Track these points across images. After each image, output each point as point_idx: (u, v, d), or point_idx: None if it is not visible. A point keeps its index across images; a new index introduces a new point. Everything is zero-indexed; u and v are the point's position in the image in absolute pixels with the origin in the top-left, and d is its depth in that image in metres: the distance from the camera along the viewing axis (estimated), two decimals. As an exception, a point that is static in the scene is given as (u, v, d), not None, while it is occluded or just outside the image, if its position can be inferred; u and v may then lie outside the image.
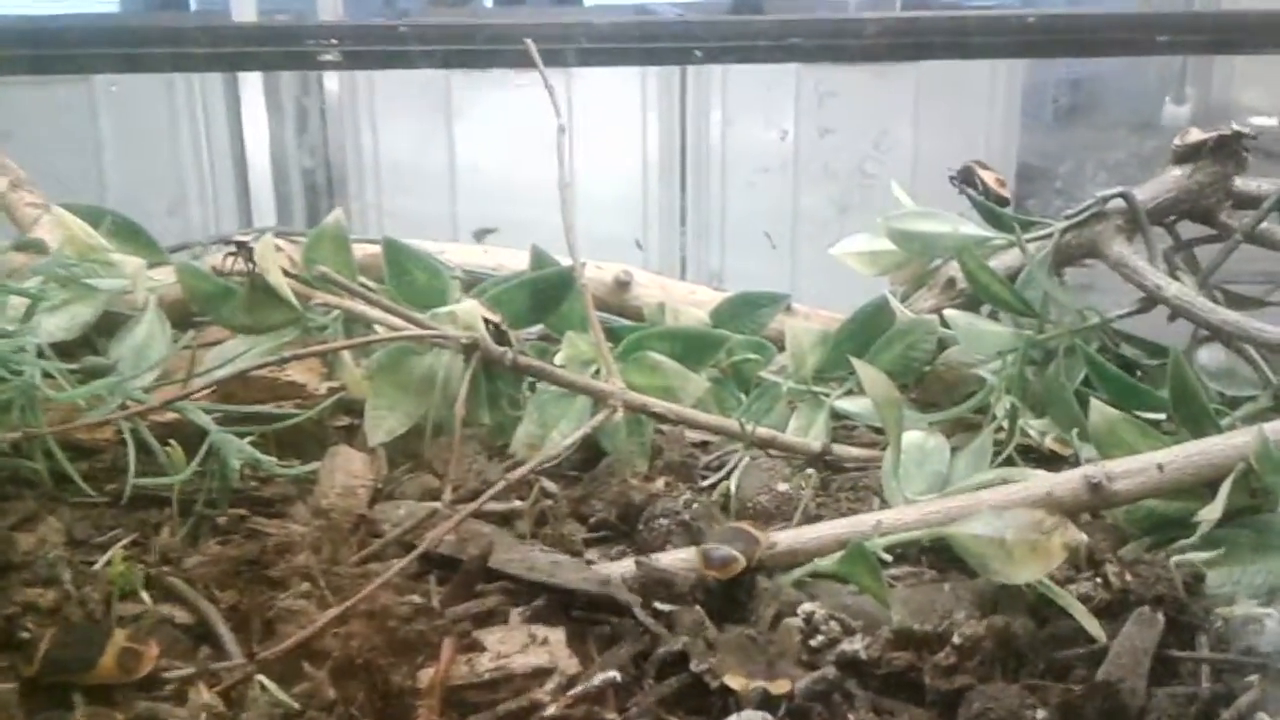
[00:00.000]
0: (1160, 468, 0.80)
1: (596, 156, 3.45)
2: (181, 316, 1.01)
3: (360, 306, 0.89)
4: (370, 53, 1.05)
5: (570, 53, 1.09)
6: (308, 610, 0.72)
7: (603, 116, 3.41)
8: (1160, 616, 0.69)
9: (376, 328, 0.90)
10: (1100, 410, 0.85)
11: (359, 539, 0.80)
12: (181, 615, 0.72)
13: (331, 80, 3.80)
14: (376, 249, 1.06)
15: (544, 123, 0.98)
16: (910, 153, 3.49)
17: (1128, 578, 0.72)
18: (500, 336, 0.90)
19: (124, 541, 0.78)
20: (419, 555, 0.74)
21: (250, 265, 0.93)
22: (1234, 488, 0.79)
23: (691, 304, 1.10)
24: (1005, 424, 0.91)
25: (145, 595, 0.72)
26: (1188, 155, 1.06)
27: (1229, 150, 1.04)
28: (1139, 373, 1.02)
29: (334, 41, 1.02)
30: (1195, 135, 1.06)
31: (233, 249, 0.95)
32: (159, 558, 0.77)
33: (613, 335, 1.05)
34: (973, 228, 1.07)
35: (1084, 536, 0.71)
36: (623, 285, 1.10)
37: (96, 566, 0.75)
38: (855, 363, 0.86)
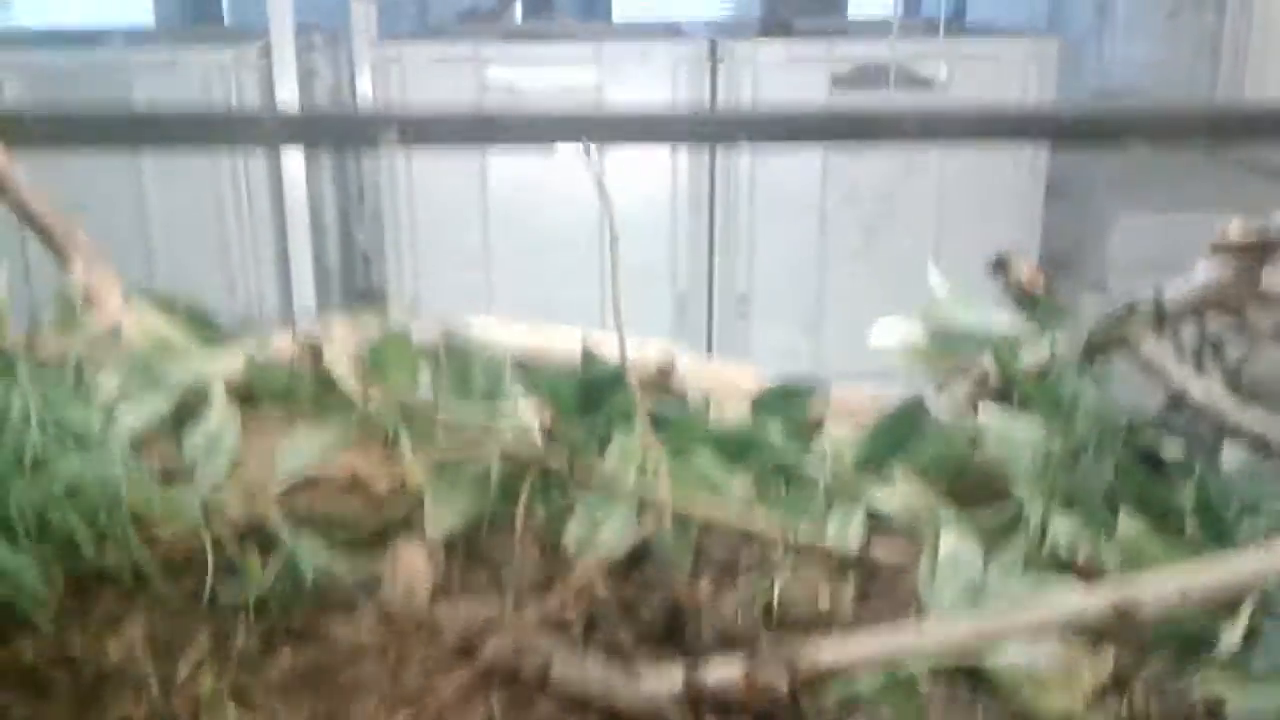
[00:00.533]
0: (1183, 594, 0.83)
1: (625, 174, 3.49)
2: (245, 393, 1.06)
3: (422, 406, 0.94)
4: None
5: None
6: (379, 720, 0.77)
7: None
8: (1183, 749, 0.73)
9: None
10: (1128, 524, 0.89)
11: (423, 642, 0.85)
12: (263, 726, 0.77)
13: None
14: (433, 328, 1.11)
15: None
16: (937, 175, 3.52)
17: (1152, 703, 0.77)
18: (553, 439, 0.95)
19: (204, 645, 0.83)
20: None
21: (316, 362, 0.98)
22: (1259, 606, 0.83)
23: (734, 389, 1.14)
24: (1036, 530, 0.94)
25: (229, 711, 0.76)
26: (1227, 249, 1.09)
27: (1265, 249, 1.07)
28: (1166, 467, 1.07)
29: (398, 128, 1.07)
30: (1237, 231, 1.08)
31: (300, 346, 0.99)
32: (237, 662, 0.82)
33: (657, 421, 1.09)
34: (1006, 319, 1.11)
35: (1108, 666, 0.75)
36: (666, 373, 1.14)
37: (181, 674, 0.80)
38: (898, 474, 0.91)
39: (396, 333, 1.00)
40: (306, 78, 3.37)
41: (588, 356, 1.04)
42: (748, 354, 3.58)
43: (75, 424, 0.86)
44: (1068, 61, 3.53)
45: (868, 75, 3.35)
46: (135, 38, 4.31)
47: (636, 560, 0.95)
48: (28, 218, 1.12)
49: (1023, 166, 3.46)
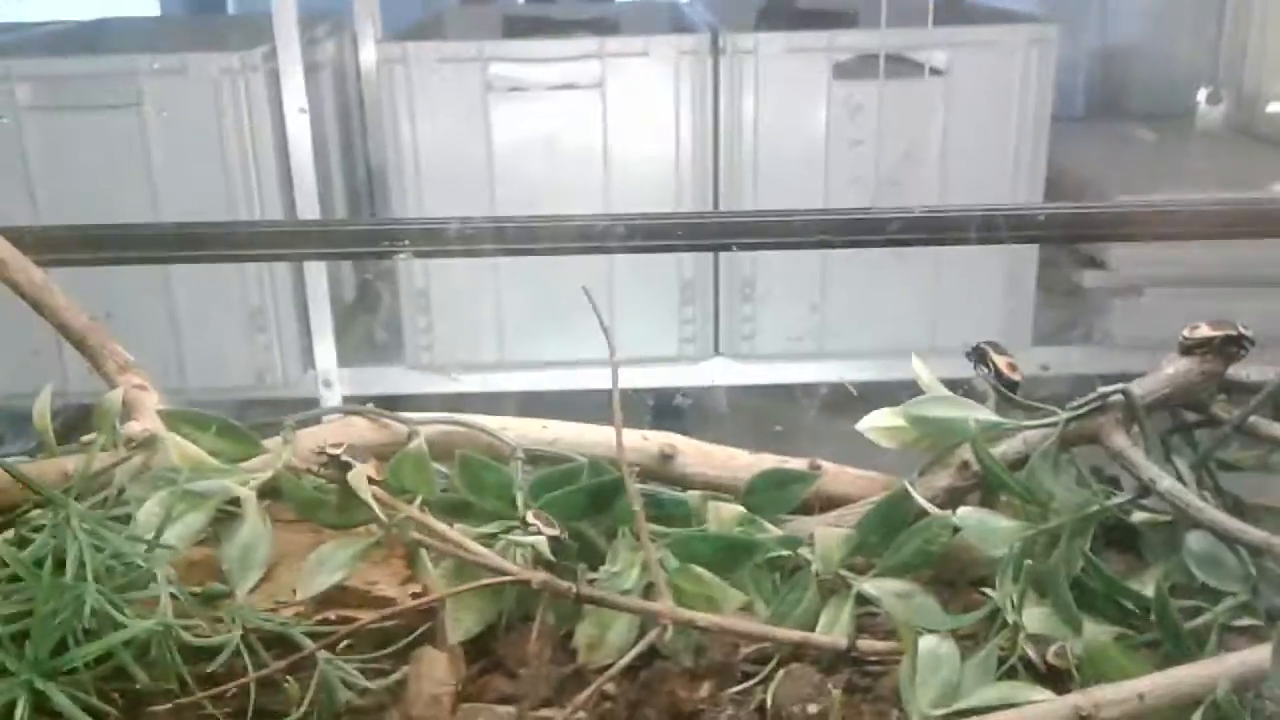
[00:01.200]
0: (1141, 697, 0.92)
1: (628, 165, 3.54)
2: (273, 488, 1.14)
3: (442, 531, 1.02)
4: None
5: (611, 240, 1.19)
6: (411, 840, 0.86)
7: (635, 118, 3.51)
8: None
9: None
10: (1093, 632, 0.97)
11: (447, 752, 0.94)
12: None
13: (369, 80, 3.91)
14: (448, 428, 1.19)
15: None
16: (938, 163, 3.56)
17: (1107, 813, 0.85)
18: (560, 547, 1.03)
19: (250, 762, 0.92)
20: (501, 782, 0.88)
21: (341, 476, 1.06)
22: (1206, 711, 0.91)
23: (730, 470, 1.22)
24: (1009, 629, 1.02)
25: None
26: (1194, 347, 1.15)
27: (1232, 349, 1.14)
28: (1140, 542, 1.14)
29: (405, 242, 1.14)
30: (1204, 331, 1.15)
31: (324, 460, 1.07)
32: (283, 780, 0.91)
33: (659, 507, 1.17)
34: (985, 413, 1.18)
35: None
36: (667, 458, 1.22)
37: (231, 792, 0.90)
38: (875, 584, 0.98)
39: (414, 451, 1.07)
40: (312, 71, 3.42)
41: (595, 465, 1.12)
42: (753, 338, 3.65)
43: (124, 558, 0.94)
44: (1067, 48, 3.56)
45: (869, 65, 3.38)
46: (140, 29, 4.34)
47: (641, 659, 1.03)
48: (64, 330, 1.20)
49: (1025, 144, 3.50)
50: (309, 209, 3.29)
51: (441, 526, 1.03)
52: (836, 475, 1.25)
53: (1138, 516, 1.17)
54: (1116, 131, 4.20)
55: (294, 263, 3.26)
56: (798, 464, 1.24)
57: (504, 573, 0.97)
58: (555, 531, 1.01)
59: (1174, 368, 1.15)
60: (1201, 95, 4.30)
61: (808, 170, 3.43)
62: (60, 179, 3.19)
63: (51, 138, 3.18)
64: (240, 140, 3.21)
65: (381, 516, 1.05)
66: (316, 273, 3.29)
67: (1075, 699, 0.92)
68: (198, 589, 1.00)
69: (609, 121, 3.35)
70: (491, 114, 3.32)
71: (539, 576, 0.96)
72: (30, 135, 3.18)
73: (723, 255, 3.49)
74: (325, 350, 3.39)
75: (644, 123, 3.38)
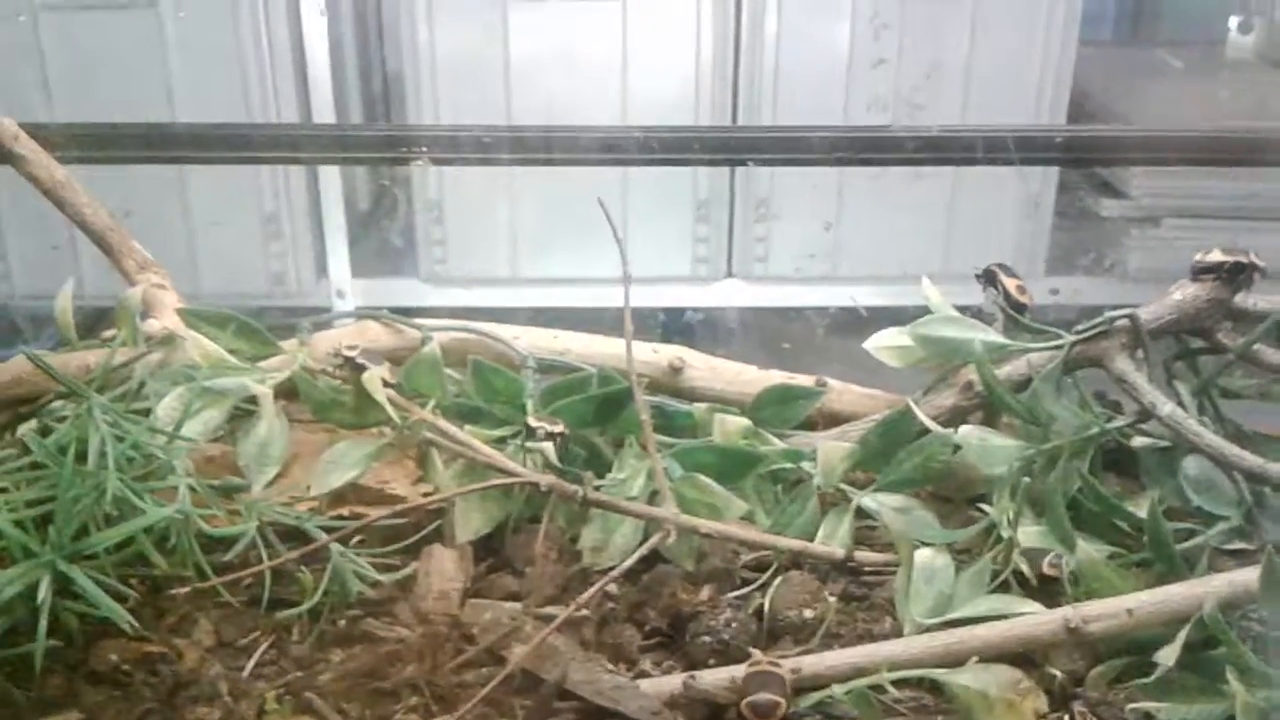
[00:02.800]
0: (1130, 612, 0.94)
1: (647, 79, 3.50)
2: (290, 388, 1.16)
3: (453, 433, 1.04)
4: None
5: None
6: (417, 723, 0.89)
7: (655, 33, 3.46)
8: (1109, 768, 0.84)
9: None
10: (1085, 550, 0.99)
11: (454, 644, 0.97)
12: (318, 727, 0.90)
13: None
14: (461, 335, 1.21)
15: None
16: (961, 85, 3.50)
17: (1090, 719, 0.88)
18: (566, 449, 1.05)
19: (264, 646, 0.96)
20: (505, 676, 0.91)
21: (356, 377, 1.09)
22: (1193, 627, 0.94)
23: (738, 385, 1.24)
24: (1004, 545, 1.05)
25: (289, 715, 0.89)
26: (1205, 271, 1.16)
27: (1242, 276, 1.14)
28: (1140, 465, 1.16)
29: (423, 149, 1.14)
30: (1217, 256, 1.15)
31: (341, 361, 1.09)
32: (294, 664, 0.95)
33: (665, 418, 1.19)
34: (992, 334, 1.19)
35: (1044, 706, 0.87)
36: (676, 370, 1.24)
37: (245, 674, 0.93)
38: (877, 498, 1.01)
39: (427, 354, 1.09)
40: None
41: (604, 376, 1.13)
42: (766, 259, 3.64)
43: (140, 446, 0.96)
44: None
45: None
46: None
47: (644, 563, 1.06)
48: (84, 228, 1.21)
49: (1049, 69, 3.44)
50: (325, 113, 3.27)
51: (453, 428, 1.05)
52: (841, 393, 1.27)
53: (1138, 442, 1.19)
54: (1144, 58, 4.13)
55: (309, 170, 3.25)
56: (804, 381, 1.25)
57: (513, 474, 0.99)
58: (560, 428, 1.03)
59: (1181, 294, 1.16)
60: (1233, 23, 4.22)
61: (828, 89, 3.39)
62: (76, 78, 3.17)
63: (67, 37, 3.15)
64: (257, 41, 3.18)
65: (395, 418, 1.07)
66: (331, 181, 3.29)
67: (1065, 612, 0.94)
68: (215, 482, 1.03)
69: (628, 33, 3.31)
70: (510, 22, 3.28)
71: (547, 479, 0.99)
72: (46, 34, 3.16)
73: (738, 175, 3.48)
74: (339, 260, 3.39)
75: (664, 36, 3.33)
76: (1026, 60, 3.51)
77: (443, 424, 1.05)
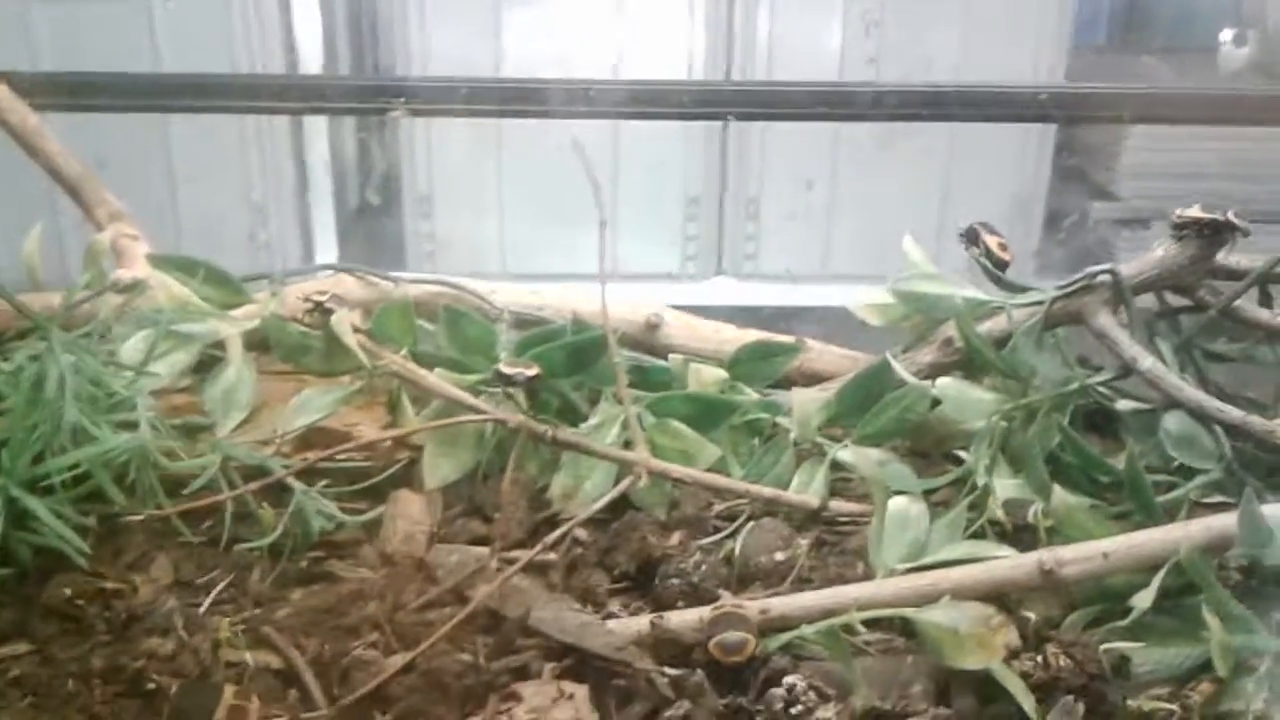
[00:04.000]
0: (1105, 556, 0.92)
1: (639, 68, 3.48)
2: (260, 340, 1.14)
3: (421, 375, 1.03)
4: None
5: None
6: (377, 659, 0.87)
7: (648, 34, 3.46)
8: (1081, 706, 0.82)
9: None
10: (1061, 496, 0.98)
11: (418, 585, 0.96)
12: (274, 662, 0.88)
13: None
14: (436, 289, 1.20)
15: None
16: (955, 77, 3.48)
17: (1062, 661, 0.86)
18: (537, 396, 1.03)
19: (221, 585, 0.94)
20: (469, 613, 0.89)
21: (325, 322, 1.07)
22: (1168, 574, 0.92)
23: (715, 343, 1.23)
24: (980, 494, 1.03)
25: (245, 649, 0.87)
26: (1183, 227, 1.14)
27: (1220, 234, 1.13)
28: (1120, 424, 1.15)
29: (401, 99, 1.13)
30: (1196, 212, 1.14)
31: (311, 306, 1.08)
32: (252, 602, 0.93)
33: (641, 374, 1.18)
34: (973, 290, 1.18)
35: (1015, 639, 0.85)
36: (653, 327, 1.22)
37: (202, 610, 0.91)
38: (850, 447, 0.99)
39: (398, 299, 1.08)
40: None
41: (577, 322, 1.12)
42: (756, 257, 3.63)
43: (104, 385, 0.95)
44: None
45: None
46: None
47: (615, 513, 1.04)
48: (57, 177, 1.20)
49: (1042, 71, 3.44)
50: (315, 121, 3.27)
51: (422, 371, 1.04)
52: (821, 353, 1.25)
53: (1120, 405, 1.18)
54: (1136, 64, 4.13)
55: (297, 162, 3.25)
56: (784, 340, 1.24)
57: (482, 413, 0.98)
58: (534, 370, 1.02)
59: (1163, 250, 1.15)
60: (1227, 35, 4.23)
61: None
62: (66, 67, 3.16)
63: (58, 25, 3.15)
64: (248, 41, 3.18)
65: (365, 362, 1.05)
66: (320, 172, 3.28)
67: (1039, 555, 0.92)
68: (177, 421, 1.01)
69: (621, 33, 3.31)
70: (503, 22, 3.28)
71: (515, 418, 0.97)
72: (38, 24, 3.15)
73: (729, 172, 3.47)
74: (326, 254, 3.38)
75: (657, 35, 3.33)
76: (1018, 62, 3.51)
77: (412, 367, 1.03)
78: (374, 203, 3.34)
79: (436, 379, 1.02)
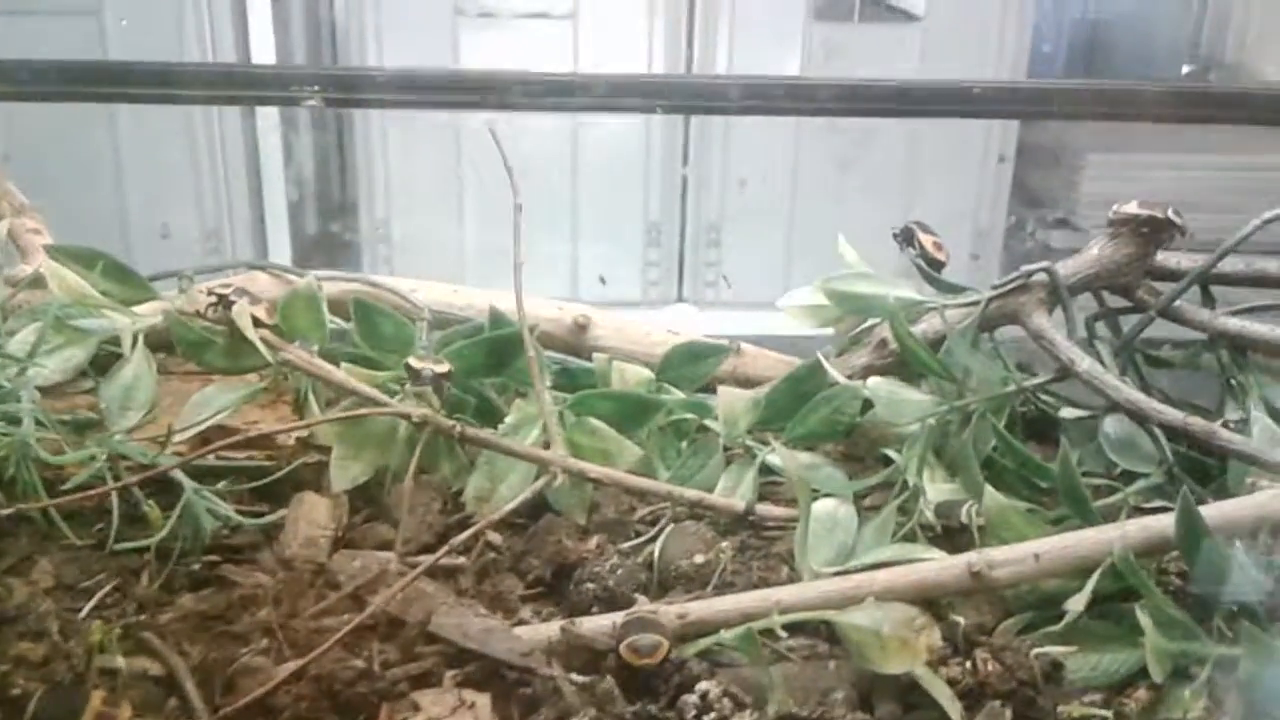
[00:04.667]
0: (1037, 558, 0.88)
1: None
2: (166, 343, 1.09)
3: (324, 368, 0.98)
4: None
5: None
6: (265, 666, 0.82)
7: (606, 58, 3.44)
8: (1008, 712, 0.78)
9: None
10: (992, 496, 0.94)
11: (317, 591, 0.90)
12: (154, 669, 0.82)
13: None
14: (354, 286, 1.15)
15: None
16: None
17: (991, 666, 0.82)
18: (442, 389, 0.99)
19: (106, 589, 0.88)
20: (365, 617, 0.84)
21: (228, 315, 1.02)
22: (1103, 575, 0.88)
23: (645, 346, 1.18)
24: (910, 496, 0.99)
25: (120, 654, 0.81)
26: (1120, 224, 1.11)
27: (1158, 232, 1.10)
28: (1059, 427, 1.11)
29: (316, 88, 1.09)
30: (1133, 209, 1.11)
31: (213, 299, 1.03)
32: (137, 607, 0.87)
33: (568, 377, 1.13)
34: (907, 290, 1.14)
35: (939, 641, 0.80)
36: (581, 328, 1.18)
37: (81, 615, 0.85)
38: (775, 445, 0.95)
39: (305, 290, 1.03)
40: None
41: (495, 316, 1.08)
42: (718, 282, 3.60)
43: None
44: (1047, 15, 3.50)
45: (847, 7, 3.33)
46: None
47: (533, 517, 0.99)
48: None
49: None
50: (270, 130, 3.23)
51: (327, 366, 0.99)
52: (756, 357, 1.21)
53: (1063, 412, 1.14)
54: (1094, 97, 4.16)
55: (252, 188, 3.20)
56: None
57: (386, 406, 0.93)
58: (444, 367, 0.97)
59: (1099, 249, 1.12)
60: (1185, 70, 4.26)
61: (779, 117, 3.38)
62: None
63: (7, 42, 3.10)
64: (203, 55, 3.14)
65: (267, 356, 1.00)
66: (276, 199, 3.23)
67: (969, 557, 0.88)
68: (65, 417, 0.96)
69: (580, 53, 3.29)
70: (460, 40, 3.26)
71: (420, 411, 0.92)
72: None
73: (689, 198, 3.45)
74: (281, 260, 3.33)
75: (616, 57, 3.32)
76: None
77: (317, 361, 0.98)
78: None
79: (342, 373, 0.97)
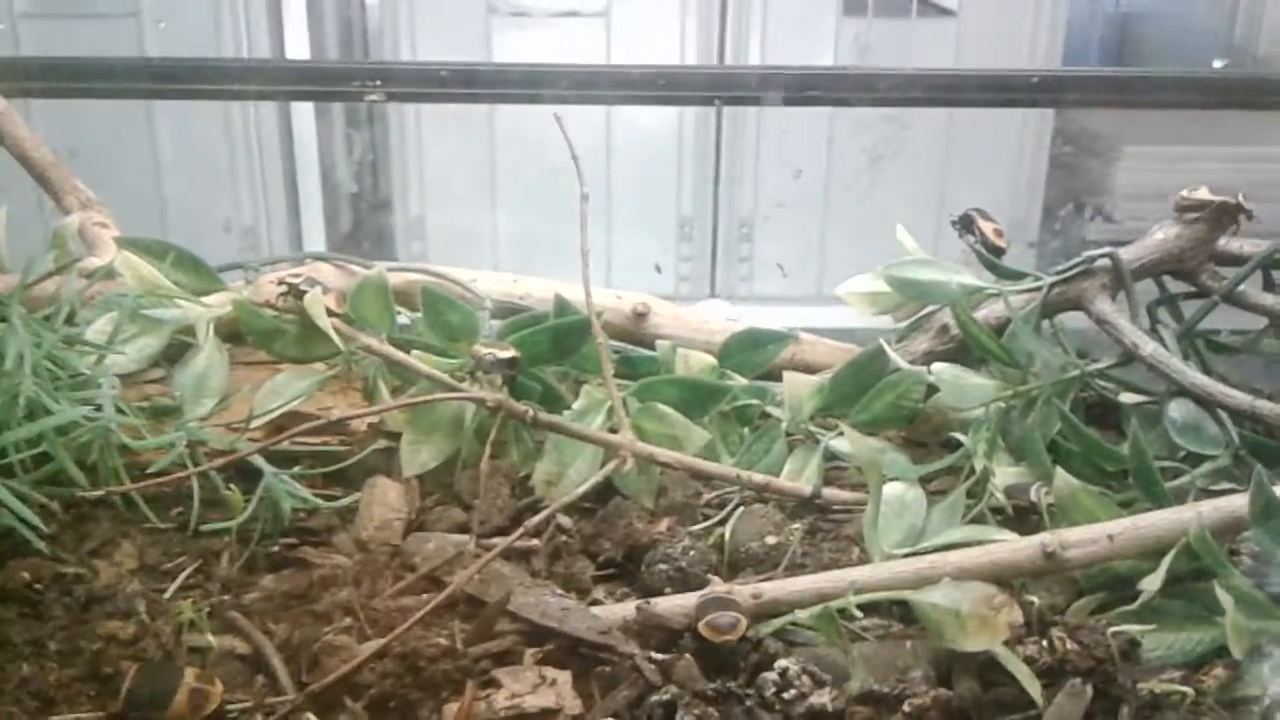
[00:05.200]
0: (1111, 538, 0.88)
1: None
2: (233, 333, 1.11)
3: (397, 355, 0.99)
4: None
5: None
6: (348, 644, 0.83)
7: (639, 50, 3.44)
8: (1089, 689, 0.78)
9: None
10: (1064, 478, 0.94)
11: (394, 572, 0.91)
12: (241, 647, 0.83)
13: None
14: (415, 276, 1.16)
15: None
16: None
17: (1069, 645, 0.82)
18: (511, 376, 0.99)
19: (189, 570, 0.90)
20: (446, 596, 0.85)
21: (299, 305, 1.03)
22: (1177, 556, 0.88)
23: (704, 334, 1.19)
24: (979, 479, 0.99)
25: (209, 635, 0.83)
26: (1190, 208, 1.11)
27: (1226, 217, 1.10)
28: (1120, 413, 1.11)
29: (378, 83, 1.10)
30: (1204, 194, 1.10)
31: (284, 289, 1.04)
32: (220, 587, 0.88)
33: (629, 365, 1.14)
34: (969, 277, 1.14)
35: (1032, 605, 0.81)
36: (640, 316, 1.19)
37: (167, 595, 0.87)
38: (844, 427, 0.95)
39: (374, 279, 1.04)
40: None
41: (560, 304, 1.08)
42: (750, 279, 3.60)
43: (68, 366, 0.91)
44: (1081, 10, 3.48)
45: (880, 1, 3.33)
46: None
47: (600, 502, 1.00)
48: (25, 162, 1.16)
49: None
50: (306, 136, 3.25)
51: (398, 353, 1.00)
52: (814, 345, 1.22)
53: (1122, 398, 1.14)
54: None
55: (289, 187, 3.22)
56: (775, 332, 1.20)
57: (459, 391, 0.94)
58: (511, 353, 0.98)
59: (1164, 233, 1.12)
60: (1217, 65, 4.23)
61: (812, 111, 3.38)
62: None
63: (46, 45, 3.13)
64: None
65: (339, 344, 1.02)
66: (312, 194, 3.25)
67: (1043, 537, 0.88)
68: (144, 404, 0.97)
69: (612, 52, 3.30)
70: (493, 38, 3.27)
71: (494, 395, 0.93)
72: (26, 41, 3.14)
73: (721, 193, 3.45)
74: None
75: (648, 55, 3.33)
76: (1010, 83, 3.47)
77: (388, 348, 1.00)
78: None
79: (416, 360, 0.98)
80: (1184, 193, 1.09)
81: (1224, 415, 1.04)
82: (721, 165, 3.54)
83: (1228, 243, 1.13)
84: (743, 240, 3.60)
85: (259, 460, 0.93)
